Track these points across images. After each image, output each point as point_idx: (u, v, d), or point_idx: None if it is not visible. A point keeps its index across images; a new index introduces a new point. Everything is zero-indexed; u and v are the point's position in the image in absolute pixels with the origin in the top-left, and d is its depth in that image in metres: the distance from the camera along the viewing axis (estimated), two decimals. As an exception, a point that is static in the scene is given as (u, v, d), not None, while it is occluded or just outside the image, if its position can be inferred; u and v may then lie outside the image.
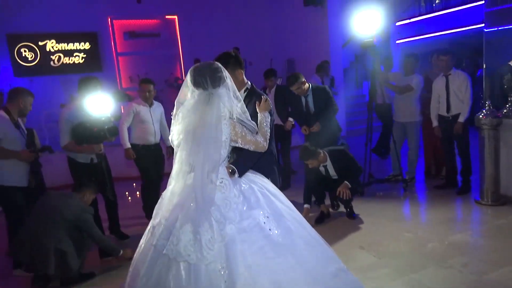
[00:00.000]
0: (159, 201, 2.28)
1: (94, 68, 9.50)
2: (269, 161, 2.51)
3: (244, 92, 2.51)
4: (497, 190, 4.30)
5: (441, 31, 9.57)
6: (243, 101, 2.42)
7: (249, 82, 2.54)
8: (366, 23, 4.75)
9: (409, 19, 10.04)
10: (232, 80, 2.23)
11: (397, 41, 10.53)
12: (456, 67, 4.69)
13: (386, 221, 4.07)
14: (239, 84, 2.46)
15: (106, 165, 3.95)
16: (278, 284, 1.95)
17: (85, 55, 9.50)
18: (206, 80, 2.12)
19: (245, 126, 2.21)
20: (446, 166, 5.07)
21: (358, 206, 4.42)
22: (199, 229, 1.99)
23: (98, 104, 3.65)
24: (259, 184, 2.25)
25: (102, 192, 3.91)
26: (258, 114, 2.35)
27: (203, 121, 2.09)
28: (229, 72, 2.32)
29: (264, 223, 2.07)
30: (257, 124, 2.32)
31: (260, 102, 2.38)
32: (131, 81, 9.63)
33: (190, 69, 2.20)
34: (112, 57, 9.75)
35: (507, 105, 4.29)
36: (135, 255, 2.26)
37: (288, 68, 10.65)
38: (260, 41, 10.40)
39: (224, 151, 2.14)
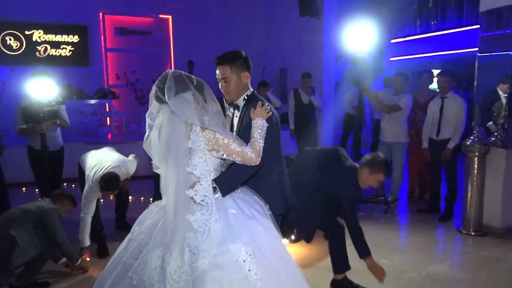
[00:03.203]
0: (144, 211, 2.07)
1: (81, 62, 9.26)
2: (270, 182, 2.18)
3: (243, 100, 2.22)
4: (480, 220, 4.17)
5: (434, 52, 9.55)
6: (242, 108, 2.20)
7: (251, 89, 2.24)
8: (359, 39, 4.62)
9: (404, 37, 10.01)
10: (204, 91, 1.95)
11: (391, 59, 10.50)
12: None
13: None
14: (242, 89, 2.19)
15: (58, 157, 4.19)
16: None
17: (73, 48, 9.22)
18: (164, 91, 1.86)
19: (228, 134, 1.94)
20: (430, 190, 4.94)
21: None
22: (168, 255, 1.78)
23: (42, 88, 3.80)
24: (249, 212, 1.95)
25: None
26: (252, 122, 2.03)
27: (172, 133, 1.87)
28: (234, 72, 2.11)
29: (244, 261, 1.77)
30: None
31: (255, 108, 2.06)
32: (118, 78, 9.39)
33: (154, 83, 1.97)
34: (100, 52, 9.50)
35: (495, 133, 4.19)
36: (107, 264, 2.06)
37: (280, 77, 10.53)
38: (253, 48, 10.19)
39: (199, 161, 1.88)
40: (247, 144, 1.98)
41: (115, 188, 3.37)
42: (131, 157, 3.86)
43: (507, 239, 4.02)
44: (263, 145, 1.97)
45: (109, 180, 3.32)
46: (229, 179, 1.99)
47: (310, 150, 3.37)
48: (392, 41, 10.29)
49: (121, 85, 9.35)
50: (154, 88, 1.94)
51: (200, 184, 1.87)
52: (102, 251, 3.63)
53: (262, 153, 1.97)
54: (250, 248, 1.80)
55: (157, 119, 1.95)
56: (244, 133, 2.08)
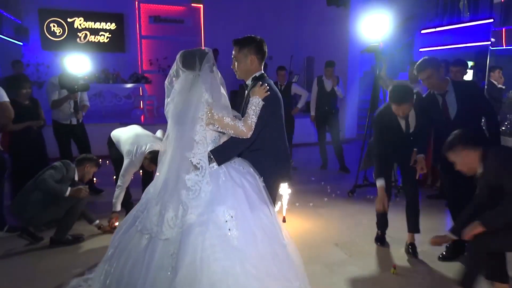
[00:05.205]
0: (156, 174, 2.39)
1: (118, 48, 9.86)
2: (268, 156, 2.37)
3: (251, 80, 2.41)
4: (486, 206, 4.28)
5: (466, 43, 9.38)
6: (250, 87, 2.41)
7: (261, 71, 2.42)
8: (374, 27, 4.77)
9: (434, 28, 9.88)
10: (216, 75, 2.24)
11: (420, 49, 10.39)
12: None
13: (368, 223, 4.11)
14: (248, 70, 2.39)
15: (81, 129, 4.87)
16: (214, 287, 1.92)
17: (110, 35, 9.83)
18: (194, 60, 2.16)
19: (223, 110, 2.17)
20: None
21: (344, 207, 4.50)
22: (167, 205, 2.10)
23: (78, 63, 4.61)
24: (240, 181, 2.18)
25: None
26: (250, 99, 2.25)
27: (186, 102, 2.15)
28: (242, 54, 2.35)
29: (226, 221, 2.02)
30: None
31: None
32: (151, 64, 9.90)
33: (180, 52, 2.28)
34: (136, 39, 10.05)
35: (506, 123, 4.27)
36: (124, 218, 2.45)
37: (307, 66, 10.70)
38: (282, 37, 10.46)
39: (200, 129, 2.13)
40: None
41: None
42: (159, 133, 4.25)
43: (511, 225, 4.13)
44: (255, 120, 2.20)
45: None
46: (224, 150, 2.24)
47: None
48: (423, 31, 10.18)
49: (153, 71, 9.87)
50: (181, 55, 2.24)
51: (198, 149, 2.13)
52: None
53: (255, 128, 2.21)
54: (233, 211, 2.05)
55: (176, 85, 2.22)
56: (246, 109, 2.34)
